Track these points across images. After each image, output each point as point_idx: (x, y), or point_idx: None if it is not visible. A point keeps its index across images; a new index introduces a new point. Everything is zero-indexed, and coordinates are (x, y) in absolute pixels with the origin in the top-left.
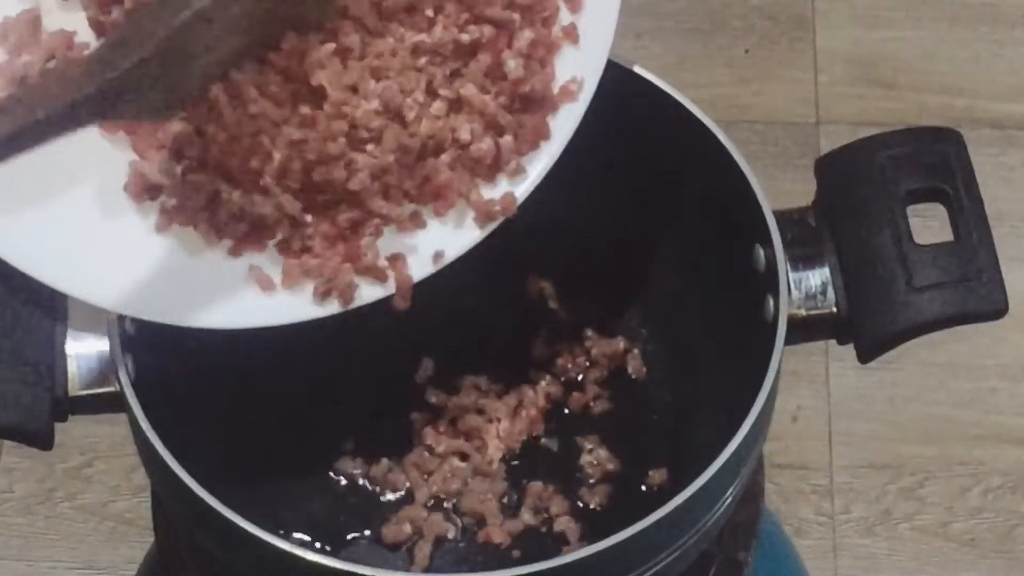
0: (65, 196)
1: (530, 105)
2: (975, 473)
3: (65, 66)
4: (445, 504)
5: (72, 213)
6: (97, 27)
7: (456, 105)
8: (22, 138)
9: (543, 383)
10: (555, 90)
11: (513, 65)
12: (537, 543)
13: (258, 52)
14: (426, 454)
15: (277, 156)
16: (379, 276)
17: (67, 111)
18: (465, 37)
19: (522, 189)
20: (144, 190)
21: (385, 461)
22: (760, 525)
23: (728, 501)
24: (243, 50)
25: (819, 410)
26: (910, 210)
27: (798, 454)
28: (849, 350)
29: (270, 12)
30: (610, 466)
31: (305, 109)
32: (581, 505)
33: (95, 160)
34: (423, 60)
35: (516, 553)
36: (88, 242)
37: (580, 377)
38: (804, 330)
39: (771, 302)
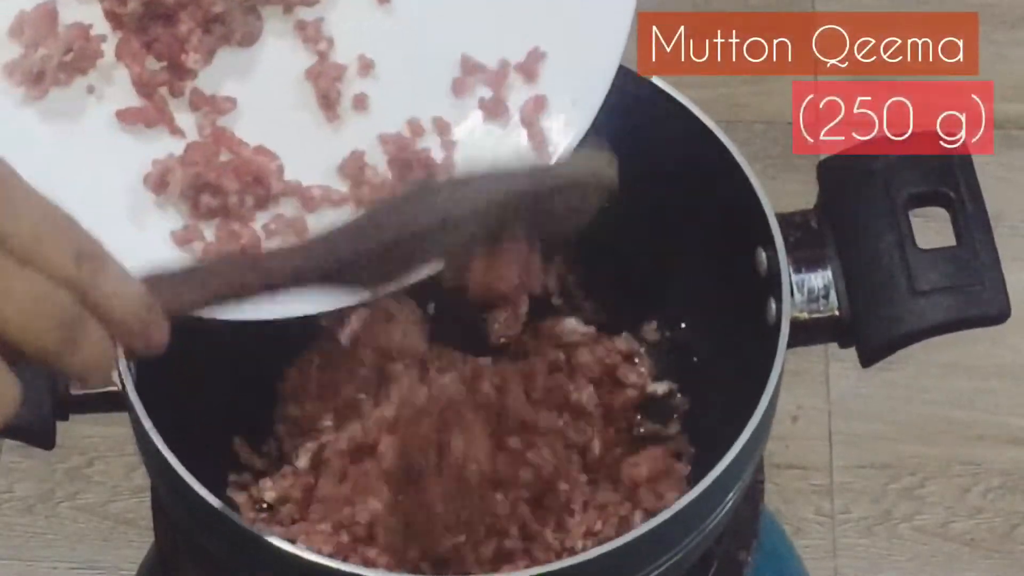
0: (90, 191)
1: None
2: (975, 473)
3: (284, 244)
4: None
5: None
6: (113, 19)
7: None
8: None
9: None
10: None
11: None
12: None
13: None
14: None
15: None
16: None
17: (283, 281)
18: None
19: None
20: (162, 184)
21: None
22: (760, 525)
23: (730, 503)
24: None
25: (819, 410)
26: (912, 214)
27: (798, 454)
28: (849, 350)
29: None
30: None
31: None
32: None
33: (117, 156)
34: None
35: None
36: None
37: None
38: (806, 333)
39: (773, 305)
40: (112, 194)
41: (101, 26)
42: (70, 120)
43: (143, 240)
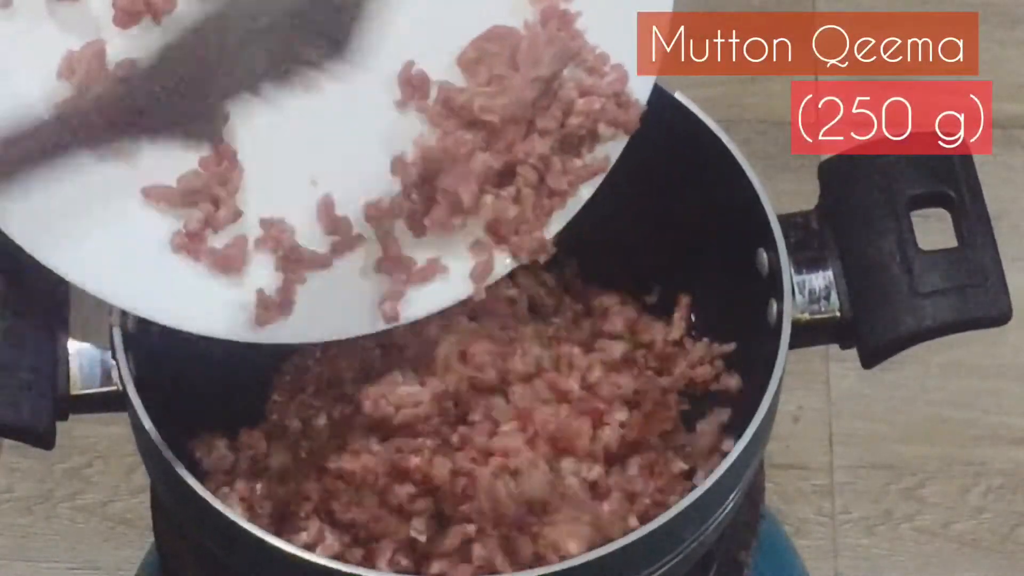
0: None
1: None
2: (976, 473)
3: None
4: None
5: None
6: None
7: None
8: (51, 155)
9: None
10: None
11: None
12: None
13: (279, 70)
14: None
15: None
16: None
17: (96, 129)
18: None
19: None
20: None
21: None
22: (760, 525)
23: (731, 504)
24: (263, 70)
25: (819, 410)
26: (913, 214)
27: (798, 454)
28: (850, 350)
29: (291, 24)
30: None
31: None
32: None
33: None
34: None
35: None
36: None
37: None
38: (807, 334)
39: (774, 306)
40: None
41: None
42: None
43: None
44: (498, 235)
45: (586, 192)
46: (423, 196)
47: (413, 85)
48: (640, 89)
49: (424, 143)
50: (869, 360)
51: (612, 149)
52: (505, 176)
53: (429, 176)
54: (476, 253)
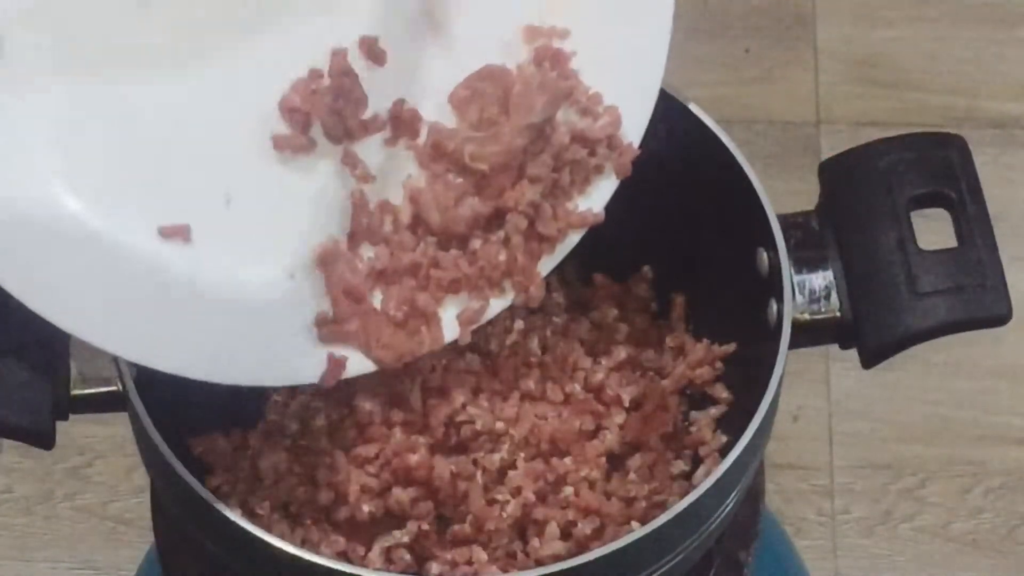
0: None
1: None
2: (976, 473)
3: None
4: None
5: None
6: None
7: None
8: None
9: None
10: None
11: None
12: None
13: None
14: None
15: None
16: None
17: None
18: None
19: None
20: None
21: None
22: (760, 525)
23: (731, 504)
24: None
25: (819, 410)
26: (914, 214)
27: (798, 454)
28: (850, 350)
29: None
30: None
31: None
32: None
33: None
34: None
35: None
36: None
37: None
38: (807, 334)
39: (774, 306)
40: None
41: None
42: None
43: None
44: (489, 280)
45: (575, 237)
46: (416, 238)
47: (404, 122)
48: (633, 131)
49: (413, 185)
50: (869, 360)
51: (603, 191)
52: (494, 220)
53: (421, 219)
54: (466, 298)
